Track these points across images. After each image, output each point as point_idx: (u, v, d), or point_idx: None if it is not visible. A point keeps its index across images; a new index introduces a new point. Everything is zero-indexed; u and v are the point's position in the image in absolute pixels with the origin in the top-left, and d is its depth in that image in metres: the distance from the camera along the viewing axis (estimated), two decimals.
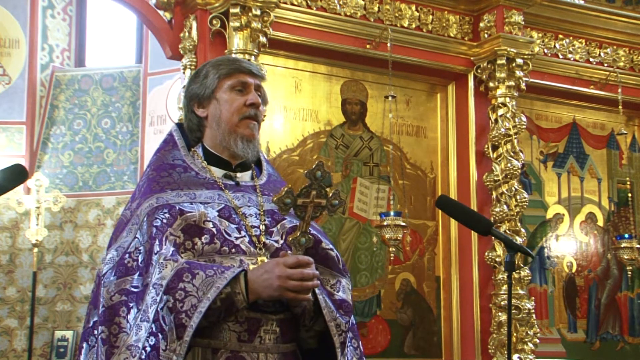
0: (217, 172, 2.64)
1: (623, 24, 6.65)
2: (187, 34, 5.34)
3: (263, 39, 5.16)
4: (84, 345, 2.41)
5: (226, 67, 2.65)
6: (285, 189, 2.38)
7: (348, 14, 5.63)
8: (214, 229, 2.47)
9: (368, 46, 5.66)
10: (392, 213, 5.30)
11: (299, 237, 2.41)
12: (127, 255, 2.44)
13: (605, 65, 6.59)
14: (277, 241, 2.55)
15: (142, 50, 9.24)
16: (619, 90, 6.42)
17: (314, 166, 2.40)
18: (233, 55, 2.74)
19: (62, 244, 9.04)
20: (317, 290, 2.48)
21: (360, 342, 2.63)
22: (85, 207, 9.09)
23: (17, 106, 9.17)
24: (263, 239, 2.53)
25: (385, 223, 5.26)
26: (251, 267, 2.43)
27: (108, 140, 9.26)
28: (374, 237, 5.76)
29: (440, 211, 5.85)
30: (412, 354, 5.82)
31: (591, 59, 6.56)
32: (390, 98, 5.58)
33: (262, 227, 2.56)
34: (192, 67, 5.26)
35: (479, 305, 5.81)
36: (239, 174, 2.67)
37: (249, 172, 2.71)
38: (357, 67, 5.86)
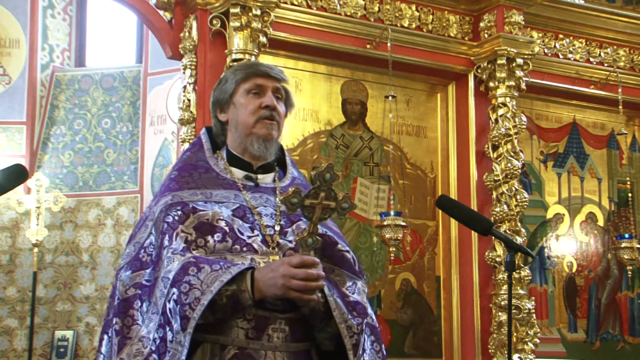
0: (239, 174, 2.67)
1: (623, 24, 6.65)
2: (187, 34, 5.34)
3: (263, 39, 5.16)
4: (105, 337, 2.45)
5: (242, 72, 2.69)
6: (293, 189, 2.39)
7: (348, 14, 5.63)
8: (226, 228, 2.50)
9: (368, 46, 5.66)
10: (392, 213, 5.30)
11: (305, 237, 2.41)
12: (142, 251, 2.51)
13: (606, 65, 6.59)
14: (291, 241, 2.57)
15: (142, 50, 9.23)
16: (619, 90, 6.42)
17: (323, 168, 2.40)
18: (254, 60, 2.77)
19: (62, 244, 9.04)
20: (327, 292, 2.49)
21: (383, 346, 2.62)
22: (85, 207, 9.09)
23: (17, 106, 9.16)
24: (277, 238, 2.55)
25: (385, 223, 5.26)
26: (262, 265, 2.46)
27: (108, 140, 9.25)
28: (374, 237, 5.75)
29: (440, 211, 5.85)
30: (413, 354, 5.82)
31: (591, 59, 6.56)
32: (390, 98, 5.58)
33: (277, 227, 2.58)
34: (192, 67, 5.26)
35: (479, 305, 5.81)
36: (260, 176, 2.69)
37: (272, 175, 2.73)
38: (357, 67, 5.86)
